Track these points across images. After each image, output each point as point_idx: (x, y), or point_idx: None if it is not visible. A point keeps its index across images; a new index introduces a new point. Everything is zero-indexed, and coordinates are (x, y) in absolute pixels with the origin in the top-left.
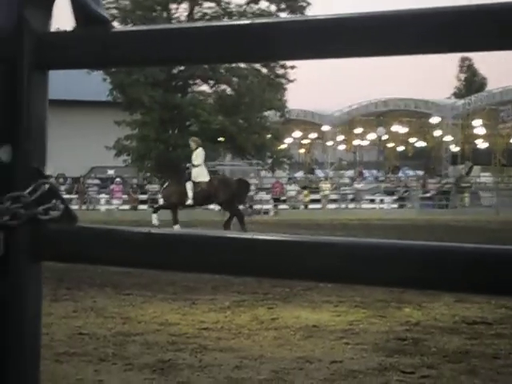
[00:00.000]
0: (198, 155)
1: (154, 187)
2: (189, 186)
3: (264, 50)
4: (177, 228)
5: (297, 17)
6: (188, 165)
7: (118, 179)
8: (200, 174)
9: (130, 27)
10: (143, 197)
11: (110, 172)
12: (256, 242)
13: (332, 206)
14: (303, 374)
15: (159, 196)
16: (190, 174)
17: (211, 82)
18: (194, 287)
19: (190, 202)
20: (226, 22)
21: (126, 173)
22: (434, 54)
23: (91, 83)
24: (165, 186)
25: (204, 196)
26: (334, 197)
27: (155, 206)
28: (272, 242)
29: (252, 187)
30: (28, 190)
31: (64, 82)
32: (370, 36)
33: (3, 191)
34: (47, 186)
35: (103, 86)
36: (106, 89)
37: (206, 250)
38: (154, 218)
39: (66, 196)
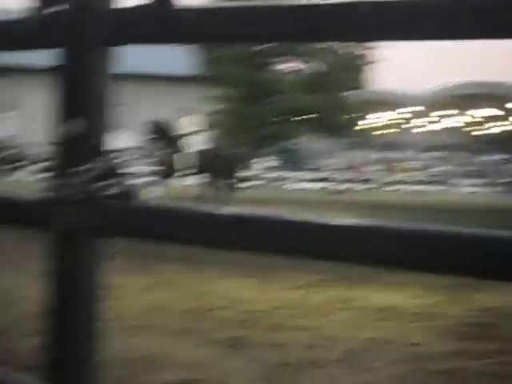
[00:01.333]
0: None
1: None
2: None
3: (346, 29)
4: None
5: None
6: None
7: None
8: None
9: (190, 6)
10: None
11: None
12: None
13: (415, 187)
14: (374, 356)
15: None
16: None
17: (296, 60)
18: (271, 265)
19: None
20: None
21: None
22: None
23: (177, 57)
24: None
25: None
26: (418, 178)
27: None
28: (339, 227)
29: (334, 166)
30: (89, 167)
31: (149, 56)
32: (462, 19)
33: (65, 167)
34: (107, 164)
35: (189, 60)
36: (192, 63)
37: (269, 231)
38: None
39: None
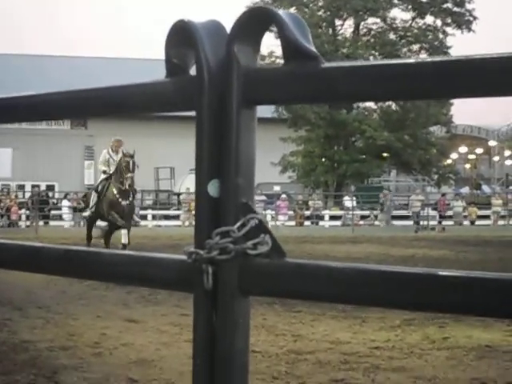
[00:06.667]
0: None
1: (318, 203)
2: None
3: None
4: None
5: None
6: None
7: (283, 195)
8: None
9: (339, 63)
10: (308, 213)
11: (276, 188)
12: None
13: (500, 222)
14: None
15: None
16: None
17: None
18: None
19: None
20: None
21: (291, 189)
22: None
23: None
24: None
25: None
26: (502, 213)
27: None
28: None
29: (418, 203)
30: (237, 225)
31: None
32: None
33: (212, 226)
34: (256, 221)
35: None
36: (272, 106)
37: (408, 287)
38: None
39: None
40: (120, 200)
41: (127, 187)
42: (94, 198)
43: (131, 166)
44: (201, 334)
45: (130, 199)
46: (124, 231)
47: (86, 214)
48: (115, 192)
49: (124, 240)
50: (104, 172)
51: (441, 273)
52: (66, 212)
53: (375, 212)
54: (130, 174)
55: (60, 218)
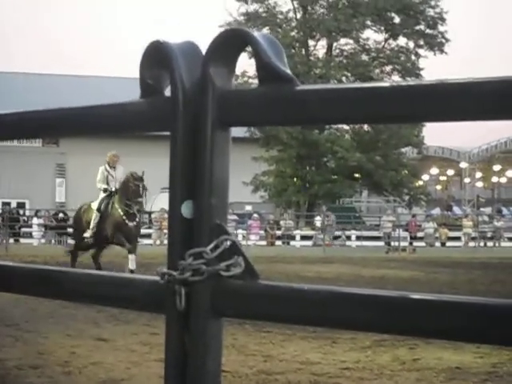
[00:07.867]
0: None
1: (290, 222)
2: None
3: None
4: None
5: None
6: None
7: (255, 215)
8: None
9: (314, 85)
10: (280, 232)
11: (248, 208)
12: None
13: (470, 243)
14: None
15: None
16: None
17: None
18: None
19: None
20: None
21: (263, 208)
22: None
23: None
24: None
25: None
26: (472, 235)
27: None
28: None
29: (389, 224)
30: (210, 247)
31: None
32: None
33: (185, 247)
34: (229, 243)
35: None
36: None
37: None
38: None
39: None
40: (127, 222)
41: (135, 211)
42: (95, 217)
43: (141, 191)
44: (172, 355)
45: (137, 220)
46: (131, 256)
47: (87, 234)
48: (121, 213)
49: (132, 266)
50: (105, 190)
51: (412, 296)
52: (36, 230)
53: (346, 232)
54: (139, 199)
55: (30, 235)
